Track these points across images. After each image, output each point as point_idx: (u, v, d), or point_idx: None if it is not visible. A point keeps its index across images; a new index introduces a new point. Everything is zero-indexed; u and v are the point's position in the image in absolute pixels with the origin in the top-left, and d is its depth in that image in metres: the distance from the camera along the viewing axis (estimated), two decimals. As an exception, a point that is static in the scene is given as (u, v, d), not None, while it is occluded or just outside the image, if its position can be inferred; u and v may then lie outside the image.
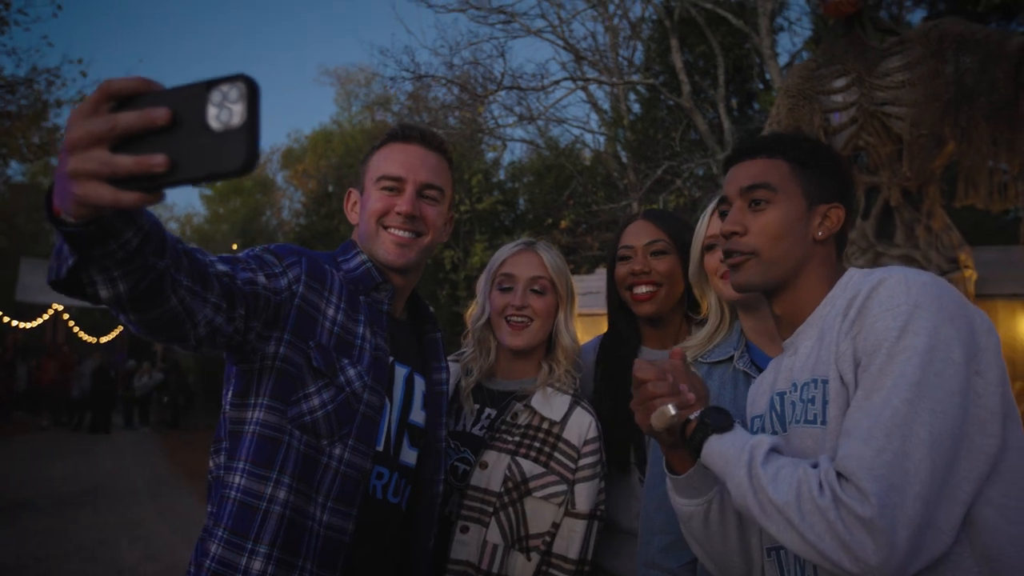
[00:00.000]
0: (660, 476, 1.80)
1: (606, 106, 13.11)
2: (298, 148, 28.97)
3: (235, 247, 22.10)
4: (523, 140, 13.72)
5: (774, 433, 1.43)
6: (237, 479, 1.44)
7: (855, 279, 1.37)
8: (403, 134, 1.68)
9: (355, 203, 1.72)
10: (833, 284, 1.41)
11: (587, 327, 7.70)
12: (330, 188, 19.73)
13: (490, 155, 15.00)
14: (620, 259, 2.21)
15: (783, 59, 10.86)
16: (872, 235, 4.84)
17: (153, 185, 0.82)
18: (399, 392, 1.64)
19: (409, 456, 1.68)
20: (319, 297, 1.53)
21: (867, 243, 4.79)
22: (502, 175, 15.25)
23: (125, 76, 0.84)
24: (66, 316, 23.08)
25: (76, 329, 24.03)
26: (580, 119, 14.38)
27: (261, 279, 1.43)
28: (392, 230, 1.62)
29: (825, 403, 1.28)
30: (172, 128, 0.81)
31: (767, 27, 9.49)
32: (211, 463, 1.53)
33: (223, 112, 0.80)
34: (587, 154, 13.32)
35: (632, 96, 12.55)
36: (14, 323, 21.31)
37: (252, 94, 0.80)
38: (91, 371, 17.73)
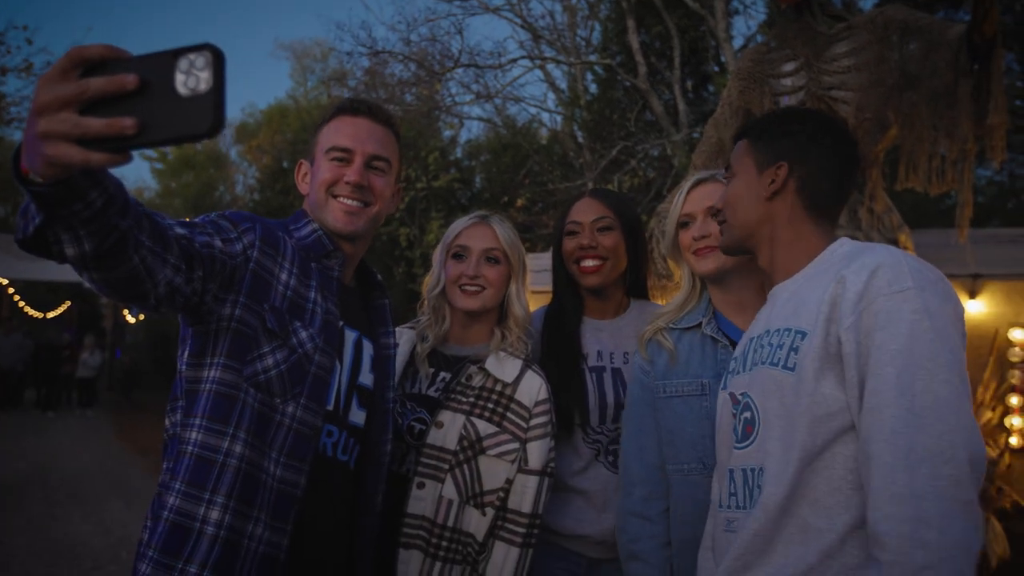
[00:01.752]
0: (638, 430, 2.03)
1: (563, 85, 13.17)
2: (253, 123, 28.52)
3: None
4: (480, 118, 13.75)
5: (739, 372, 1.59)
6: (194, 435, 1.48)
7: (845, 249, 1.50)
8: (352, 107, 1.74)
9: (306, 174, 1.77)
10: (813, 238, 1.56)
11: (542, 303, 7.77)
12: (285, 164, 19.51)
13: (447, 133, 14.98)
14: (568, 234, 2.35)
15: (738, 42, 10.99)
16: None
17: (122, 146, 0.86)
18: (348, 355, 1.70)
19: (358, 416, 1.74)
20: (272, 262, 1.58)
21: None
22: (459, 153, 15.24)
23: (94, 43, 0.88)
24: (11, 290, 22.55)
25: (22, 304, 23.49)
26: (537, 98, 14.44)
27: (218, 243, 1.47)
28: (341, 199, 1.68)
29: (793, 350, 1.40)
30: (141, 93, 0.85)
31: (723, 10, 9.61)
32: (167, 421, 1.57)
33: (190, 79, 0.85)
34: (544, 133, 13.37)
35: (589, 76, 12.61)
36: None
37: (218, 62, 0.85)
38: (32, 346, 16.91)
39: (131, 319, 23.81)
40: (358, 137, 1.70)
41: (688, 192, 2.02)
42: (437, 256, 2.22)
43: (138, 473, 9.34)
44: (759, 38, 9.87)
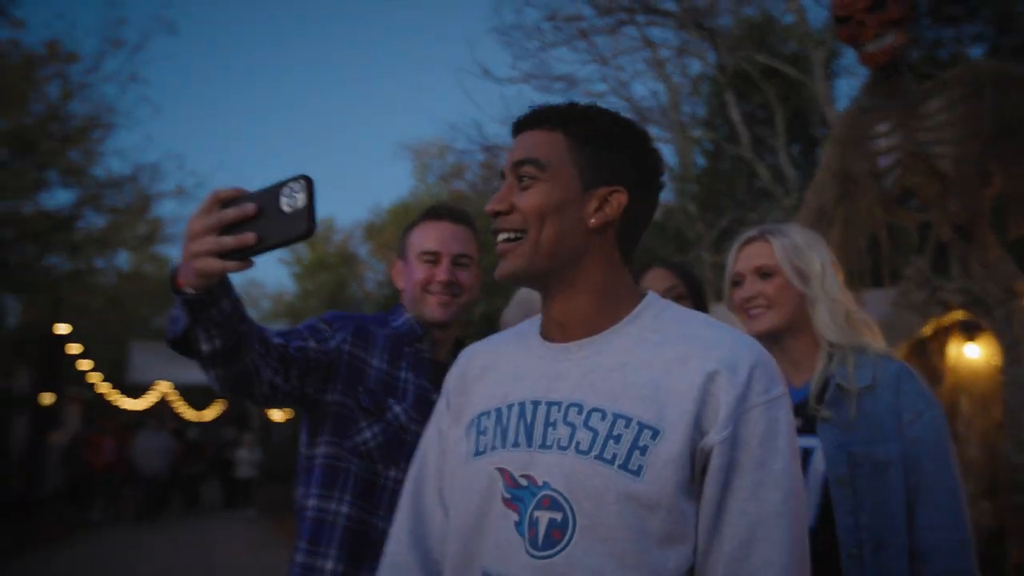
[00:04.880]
0: None
1: (672, 161, 13.47)
2: (379, 222, 30.11)
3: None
4: (593, 199, 14.08)
5: (514, 444, 1.21)
6: (311, 502, 1.86)
7: (676, 315, 1.24)
8: (435, 213, 2.04)
9: (400, 271, 2.09)
10: (617, 287, 1.24)
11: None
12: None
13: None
14: None
15: (843, 103, 11.04)
16: (929, 270, 5.02)
17: (246, 255, 1.18)
18: None
19: None
20: (364, 352, 1.92)
21: (924, 278, 4.97)
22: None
23: (227, 187, 1.22)
24: (171, 396, 24.31)
25: (180, 407, 25.25)
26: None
27: (312, 344, 1.82)
28: (435, 295, 1.97)
29: (639, 449, 1.11)
30: (258, 216, 1.17)
31: (822, 75, 9.73)
32: (296, 495, 1.95)
33: (291, 200, 1.15)
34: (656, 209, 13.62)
35: (697, 150, 12.88)
36: (125, 403, 22.62)
37: (310, 185, 1.15)
38: (171, 445, 15.45)
39: (278, 416, 25.03)
40: (443, 240, 1.97)
41: (738, 251, 1.94)
42: None
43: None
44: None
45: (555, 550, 1.13)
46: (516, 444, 1.20)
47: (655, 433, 1.11)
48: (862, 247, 5.27)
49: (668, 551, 1.11)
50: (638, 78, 12.61)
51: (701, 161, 12.71)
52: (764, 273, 1.83)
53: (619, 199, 1.21)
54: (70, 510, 15.46)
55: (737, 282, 1.92)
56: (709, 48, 11.09)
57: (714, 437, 1.11)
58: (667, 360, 1.15)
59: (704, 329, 1.20)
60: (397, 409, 1.90)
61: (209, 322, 1.34)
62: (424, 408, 1.92)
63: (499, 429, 1.23)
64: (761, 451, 1.11)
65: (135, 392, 23.04)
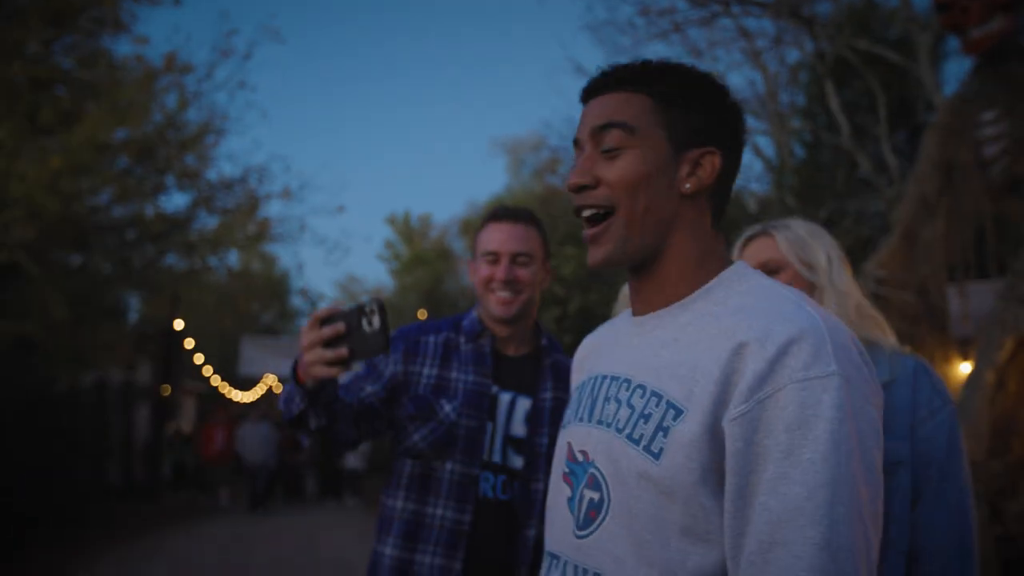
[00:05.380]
0: None
1: (769, 152, 13.23)
2: (475, 217, 30.53)
3: (423, 313, 23.50)
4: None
5: (581, 418, 1.17)
6: (382, 499, 2.19)
7: (745, 287, 1.09)
8: (495, 215, 2.19)
9: (472, 271, 2.25)
10: (706, 257, 1.12)
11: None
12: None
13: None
14: None
15: (951, 87, 10.63)
16: (1041, 260, 4.84)
17: (342, 364, 1.53)
18: (502, 414, 2.15)
19: (515, 462, 2.14)
20: (414, 364, 2.14)
21: (1035, 271, 4.81)
22: (670, 228, 15.49)
23: (325, 308, 1.56)
24: (279, 389, 25.31)
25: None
26: (744, 166, 14.49)
27: (369, 389, 2.09)
28: (496, 292, 2.12)
29: (662, 430, 1.01)
30: (348, 332, 1.50)
31: (928, 60, 9.41)
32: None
33: (369, 322, 1.49)
34: (752, 202, 13.43)
35: (794, 140, 12.61)
36: (236, 395, 23.74)
37: (382, 310, 1.48)
38: (273, 436, 15.43)
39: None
40: (502, 240, 2.12)
41: (741, 250, 1.84)
42: None
43: None
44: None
45: (588, 531, 1.07)
46: (581, 418, 1.17)
47: (678, 413, 1.01)
48: (968, 239, 5.13)
49: (688, 548, 0.99)
50: (734, 69, 12.43)
51: (800, 152, 12.45)
52: (771, 269, 1.74)
53: (712, 161, 1.11)
54: (188, 497, 16.46)
55: None
56: (807, 36, 10.85)
57: (728, 416, 0.97)
58: (712, 335, 1.03)
59: (766, 301, 1.03)
60: (448, 408, 2.10)
61: (318, 405, 1.74)
62: (478, 401, 2.12)
63: (577, 402, 1.20)
64: (788, 437, 0.93)
65: (245, 385, 24.16)
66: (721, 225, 1.16)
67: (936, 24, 10.02)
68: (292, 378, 1.71)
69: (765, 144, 13.28)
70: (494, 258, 2.13)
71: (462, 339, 2.19)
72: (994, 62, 4.98)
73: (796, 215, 11.91)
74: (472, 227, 30.18)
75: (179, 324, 17.76)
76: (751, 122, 12.57)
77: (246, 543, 10.52)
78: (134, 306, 18.34)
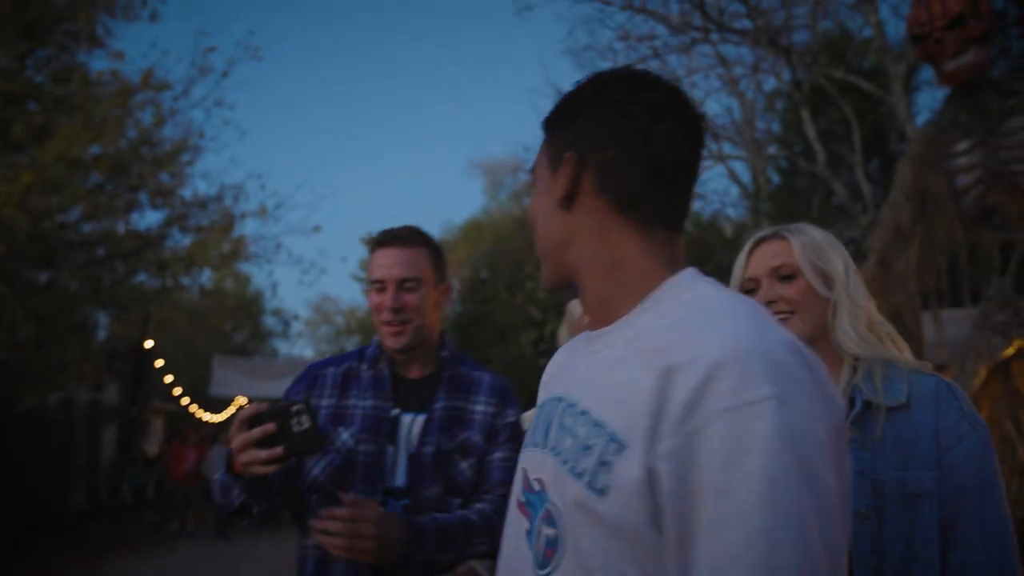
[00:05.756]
0: None
1: (745, 178, 13.34)
2: (451, 239, 30.52)
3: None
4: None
5: (536, 443, 1.07)
6: (298, 540, 2.08)
7: (695, 298, 0.99)
8: (379, 240, 2.08)
9: (369, 299, 2.15)
10: (641, 258, 1.03)
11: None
12: (483, 274, 20.75)
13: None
14: None
15: (924, 117, 10.80)
16: (1012, 290, 4.89)
17: (276, 462, 1.64)
18: (402, 435, 2.03)
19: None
20: (314, 399, 2.05)
21: (1007, 299, 4.85)
22: (647, 252, 15.57)
23: (249, 408, 1.66)
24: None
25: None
26: (720, 192, 14.67)
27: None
28: (385, 324, 2.04)
29: (604, 465, 0.91)
30: (280, 431, 1.61)
31: (902, 90, 9.55)
32: None
33: (299, 423, 1.62)
34: (728, 227, 13.52)
35: (771, 167, 12.73)
36: (206, 417, 23.41)
37: (309, 410, 1.62)
38: None
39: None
40: (387, 267, 2.03)
41: (750, 252, 1.67)
42: None
43: None
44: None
45: (547, 570, 0.96)
46: (536, 443, 1.06)
47: (620, 448, 0.90)
48: (942, 267, 5.17)
49: None
50: (712, 95, 12.55)
51: (776, 178, 12.56)
52: (784, 275, 1.58)
53: (568, 161, 1.05)
54: (154, 519, 16.13)
55: (750, 289, 1.62)
56: (784, 65, 10.99)
57: (659, 452, 0.86)
58: (649, 356, 0.92)
59: (700, 316, 0.93)
60: (345, 435, 2.01)
61: (257, 494, 1.81)
62: (376, 426, 2.03)
63: (535, 425, 1.11)
64: (722, 475, 0.82)
65: (216, 406, 23.85)
66: (673, 224, 1.06)
67: (909, 55, 10.20)
68: (226, 469, 1.75)
69: (741, 170, 13.40)
70: (380, 286, 2.04)
71: (364, 366, 2.12)
72: (968, 93, 5.04)
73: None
74: (448, 248, 30.22)
75: (149, 343, 17.50)
76: (727, 148, 12.69)
77: (212, 569, 10.29)
78: (103, 324, 18.06)
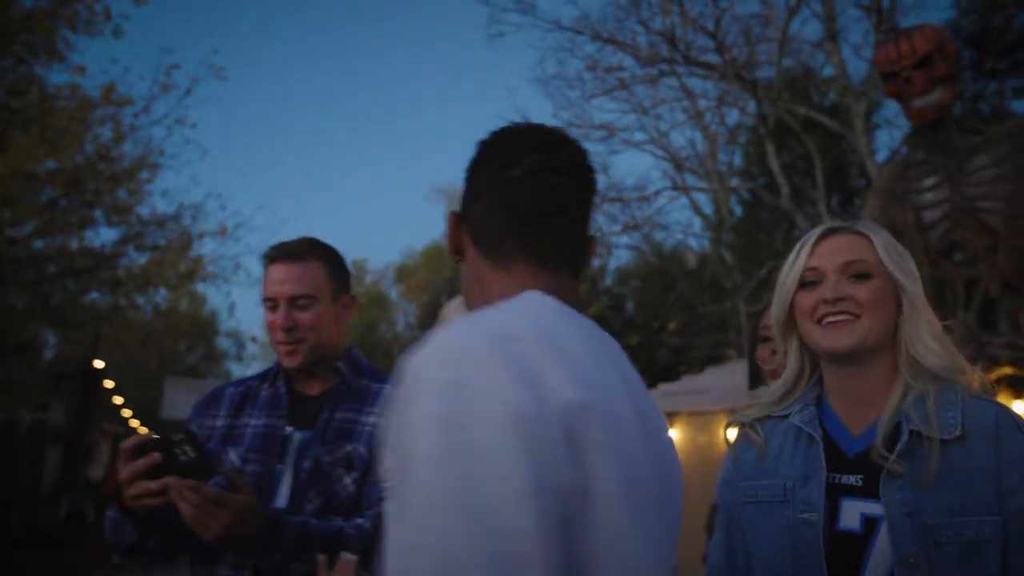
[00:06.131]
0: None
1: (708, 210, 13.49)
2: (411, 264, 30.38)
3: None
4: (628, 246, 14.19)
5: None
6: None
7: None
8: (271, 256, 1.97)
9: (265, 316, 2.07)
10: (475, 286, 1.14)
11: (699, 424, 7.86)
12: (443, 300, 20.63)
13: (596, 262, 15.51)
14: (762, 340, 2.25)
15: (883, 155, 11.04)
16: (976, 325, 4.97)
17: (165, 493, 1.59)
18: (292, 454, 1.93)
19: (316, 502, 1.93)
20: (209, 419, 2.01)
21: (971, 334, 4.92)
22: (609, 281, 15.69)
23: (132, 439, 1.64)
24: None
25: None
26: (683, 223, 14.83)
27: None
28: (279, 343, 1.96)
29: None
30: (166, 461, 1.58)
31: (863, 127, 9.75)
32: None
33: (184, 453, 1.60)
34: (691, 258, 13.65)
35: (734, 199, 12.89)
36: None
37: (195, 439, 1.61)
38: None
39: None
40: (279, 283, 1.93)
41: (816, 243, 1.45)
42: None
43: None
44: (904, 150, 9.91)
45: None
46: None
47: None
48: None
49: None
50: (677, 127, 12.71)
51: (739, 211, 12.73)
52: (858, 273, 1.38)
53: (448, 221, 1.15)
54: (95, 547, 15.60)
55: (811, 282, 1.42)
56: (749, 98, 11.18)
57: None
58: None
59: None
60: (232, 455, 1.92)
61: (152, 528, 1.75)
62: (266, 445, 1.94)
63: None
64: (397, 460, 0.88)
65: (168, 429, 23.23)
66: (542, 260, 1.09)
67: (870, 93, 10.44)
68: (116, 505, 1.68)
69: (704, 202, 13.55)
70: (272, 304, 1.94)
71: (265, 385, 2.04)
72: (933, 131, 5.15)
73: (735, 272, 12.18)
74: (408, 273, 30.09)
75: (99, 363, 17.03)
76: (690, 178, 12.83)
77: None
78: (51, 343, 17.56)
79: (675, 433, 7.66)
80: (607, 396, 0.93)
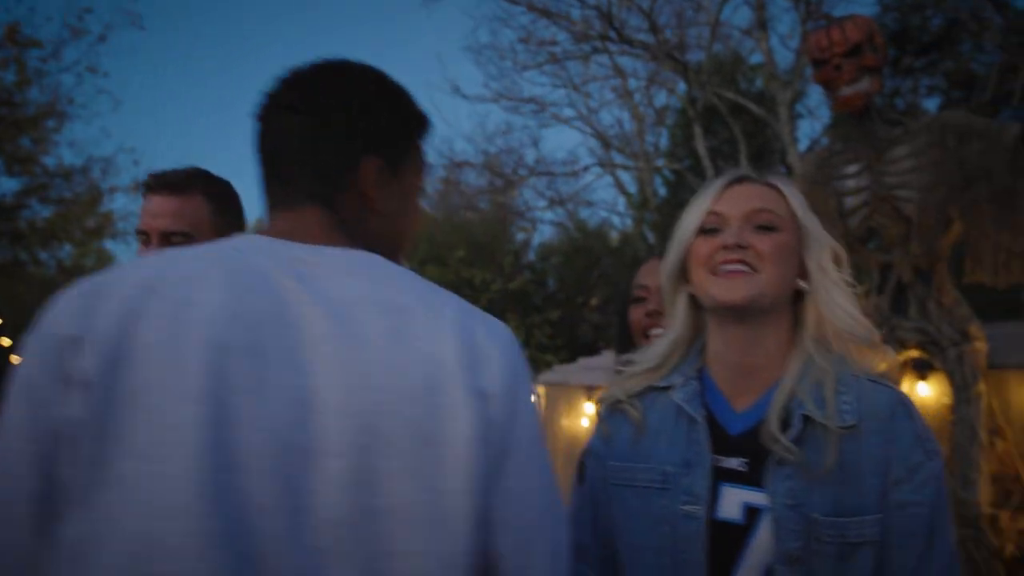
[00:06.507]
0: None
1: (633, 189, 13.64)
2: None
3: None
4: (553, 222, 14.26)
5: None
6: None
7: None
8: (148, 184, 1.74)
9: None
10: None
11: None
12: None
13: (520, 236, 15.53)
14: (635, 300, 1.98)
15: (804, 144, 11.34)
16: (888, 309, 5.16)
17: None
18: None
19: None
20: None
21: (883, 317, 5.10)
22: (532, 256, 15.75)
23: None
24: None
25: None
26: (608, 202, 15.02)
27: None
28: None
29: None
30: None
31: (787, 115, 9.99)
32: None
33: None
34: (615, 235, 13.80)
35: (658, 179, 13.07)
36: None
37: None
38: None
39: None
40: (151, 215, 1.70)
41: (723, 189, 1.31)
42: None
43: None
44: (824, 141, 10.21)
45: None
46: None
47: None
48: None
49: None
50: (606, 106, 12.79)
51: (663, 191, 12.91)
52: (763, 225, 1.24)
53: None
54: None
55: (713, 228, 1.27)
56: (679, 80, 11.30)
57: None
58: None
59: None
60: None
61: None
62: None
63: None
64: None
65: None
66: (291, 204, 1.06)
67: (795, 83, 10.69)
68: None
69: (628, 181, 13.69)
70: (145, 238, 1.70)
71: None
72: (858, 120, 5.29)
73: (656, 251, 12.30)
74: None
75: (-4, 320, 16.22)
76: (617, 157, 12.93)
77: None
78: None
79: (593, 407, 7.74)
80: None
